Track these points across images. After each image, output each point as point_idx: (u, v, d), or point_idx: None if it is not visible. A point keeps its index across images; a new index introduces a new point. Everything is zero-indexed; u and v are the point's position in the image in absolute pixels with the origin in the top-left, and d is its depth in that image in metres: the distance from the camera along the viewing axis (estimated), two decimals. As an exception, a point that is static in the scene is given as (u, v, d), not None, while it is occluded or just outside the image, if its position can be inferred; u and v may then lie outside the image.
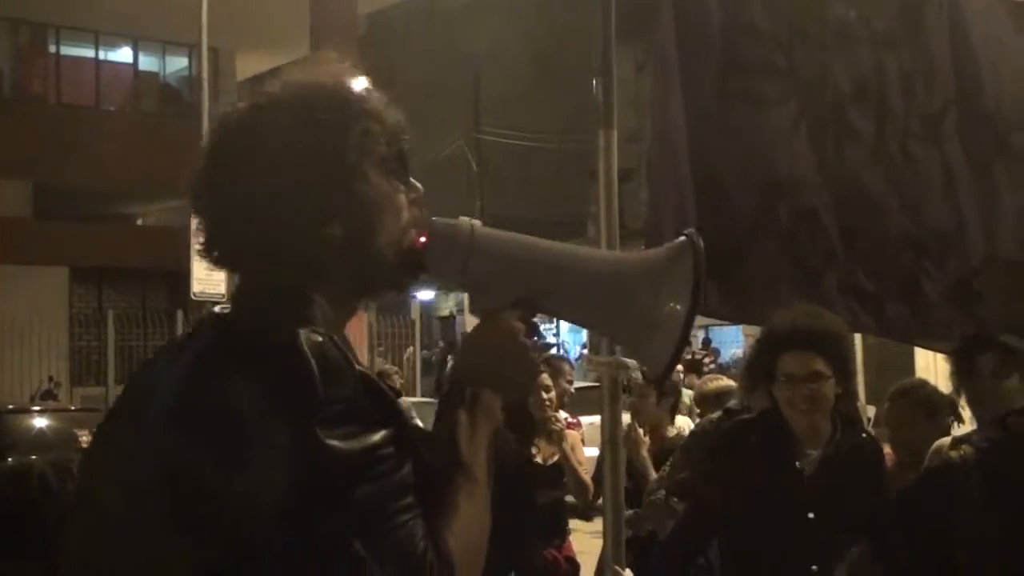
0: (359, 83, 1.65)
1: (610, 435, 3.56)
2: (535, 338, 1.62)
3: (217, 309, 1.57)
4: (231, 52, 26.12)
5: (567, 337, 31.38)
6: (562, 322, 28.95)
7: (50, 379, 21.07)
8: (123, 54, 26.46)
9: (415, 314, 22.09)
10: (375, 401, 1.45)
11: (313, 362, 1.41)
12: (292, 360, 1.41)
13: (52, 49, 25.19)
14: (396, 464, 1.44)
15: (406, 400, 10.58)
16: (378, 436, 1.42)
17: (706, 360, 21.32)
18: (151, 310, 22.92)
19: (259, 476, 1.37)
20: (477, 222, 1.64)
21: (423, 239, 1.62)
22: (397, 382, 11.05)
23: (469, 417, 1.57)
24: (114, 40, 25.86)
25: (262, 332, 1.46)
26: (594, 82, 3.70)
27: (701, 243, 1.59)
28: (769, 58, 4.17)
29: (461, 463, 1.54)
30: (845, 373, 3.51)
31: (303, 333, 1.43)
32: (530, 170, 35.42)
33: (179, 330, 19.72)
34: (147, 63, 26.75)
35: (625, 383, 3.92)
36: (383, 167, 1.61)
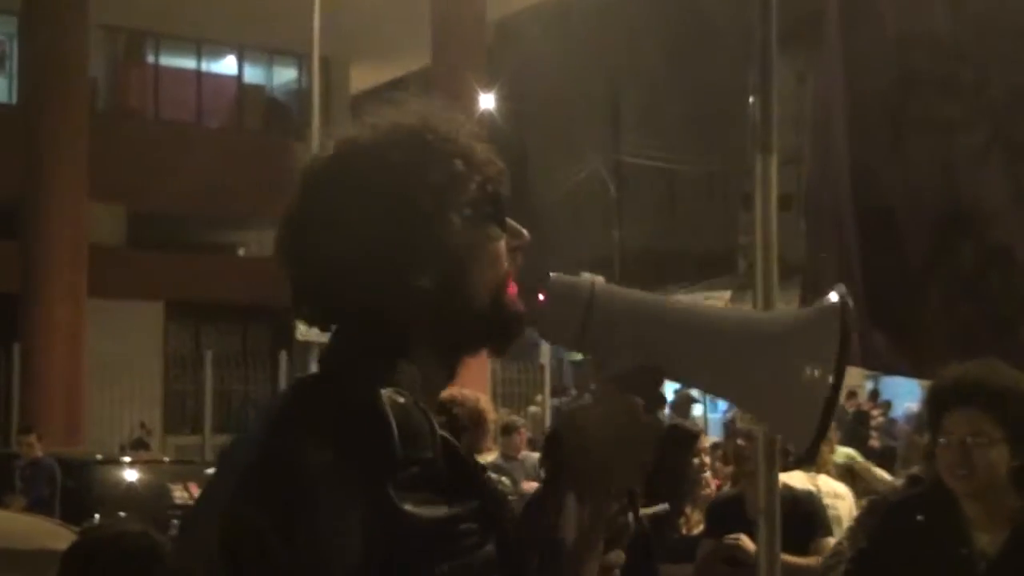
0: (448, 120, 1.69)
1: (766, 505, 3.51)
2: (660, 411, 1.63)
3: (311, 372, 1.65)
4: (344, 63, 26.57)
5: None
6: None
7: (142, 426, 21.44)
8: (227, 65, 27.12)
9: (545, 358, 22.02)
10: (459, 472, 1.50)
11: (393, 423, 1.46)
12: (371, 420, 1.47)
13: (150, 59, 25.94)
14: (479, 541, 1.46)
15: (531, 455, 10.54)
16: (460, 508, 1.46)
17: (874, 413, 20.90)
18: (252, 351, 23.25)
19: (328, 544, 1.40)
20: (600, 279, 1.66)
21: (540, 296, 1.65)
22: (523, 438, 11.00)
23: (577, 514, 1.58)
24: (217, 49, 26.52)
25: (340, 393, 1.52)
26: (750, 99, 3.67)
27: (851, 303, 1.57)
28: (954, 74, 4.09)
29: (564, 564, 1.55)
30: None
31: (385, 393, 1.49)
32: (675, 196, 35.32)
33: (282, 374, 20.05)
34: (252, 75, 27.38)
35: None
36: (473, 212, 1.64)
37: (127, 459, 14.74)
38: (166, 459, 16.47)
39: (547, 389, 22.59)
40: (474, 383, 19.03)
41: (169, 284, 23.64)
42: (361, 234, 1.58)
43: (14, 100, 23.45)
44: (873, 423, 19.80)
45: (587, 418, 1.62)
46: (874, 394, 23.19)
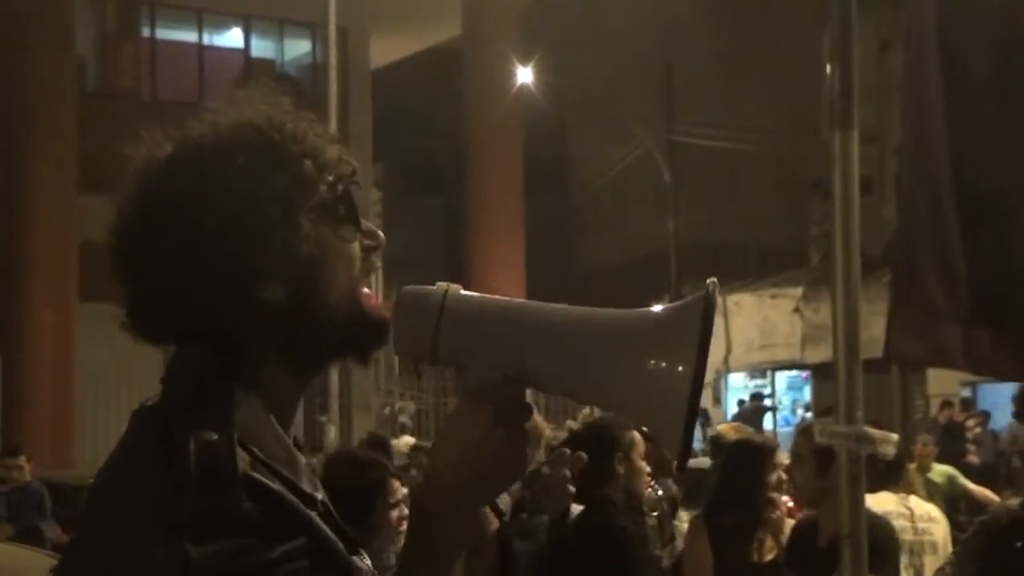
0: (295, 119, 1.75)
1: (851, 528, 3.49)
2: (525, 422, 1.68)
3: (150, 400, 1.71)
4: (363, 33, 26.66)
5: (783, 397, 30.99)
6: (777, 377, 28.41)
7: (141, 443, 21.65)
8: (232, 37, 27.29)
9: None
10: (276, 511, 1.55)
11: (194, 468, 1.53)
12: (173, 467, 1.53)
13: (145, 32, 26.09)
14: None
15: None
16: (271, 553, 1.51)
17: (969, 424, 20.76)
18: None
19: None
20: (456, 287, 1.72)
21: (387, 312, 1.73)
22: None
23: (424, 535, 1.67)
24: (221, 20, 26.68)
25: (152, 435, 1.61)
26: (827, 68, 3.64)
27: (716, 295, 1.64)
28: None
29: None
30: None
31: (195, 435, 1.55)
32: (736, 180, 35.22)
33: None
34: (261, 48, 27.52)
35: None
36: (323, 214, 1.71)
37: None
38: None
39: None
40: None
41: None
42: (201, 245, 1.63)
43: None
44: (969, 435, 19.64)
45: (441, 433, 1.72)
46: (966, 402, 23.04)
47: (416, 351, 1.71)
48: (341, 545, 1.61)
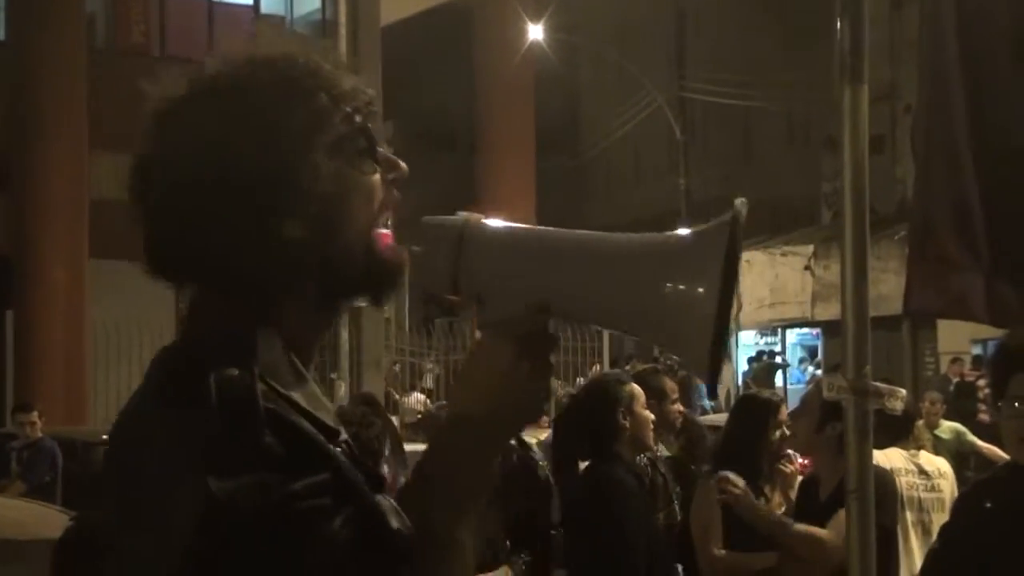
0: (310, 51, 1.73)
1: (857, 483, 3.50)
2: (551, 353, 1.67)
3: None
4: (373, -10, 26.57)
5: (792, 350, 31.00)
6: (788, 334, 28.39)
7: (152, 401, 21.66)
8: (240, -6, 27.18)
9: (606, 323, 22.08)
10: (299, 447, 1.53)
11: (215, 402, 1.52)
12: (194, 402, 1.52)
13: (155, -11, 26.00)
14: (324, 518, 1.51)
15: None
16: (293, 487, 1.50)
17: (980, 383, 20.75)
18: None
19: (154, 536, 1.50)
20: (478, 216, 1.69)
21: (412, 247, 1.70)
22: None
23: (447, 474, 1.64)
24: (230, -23, 26.57)
25: (173, 374, 1.60)
26: (838, 23, 3.63)
27: (743, 213, 1.63)
28: None
29: (431, 530, 1.60)
30: None
31: (215, 371, 1.54)
32: (748, 137, 35.13)
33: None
34: (270, 4, 27.43)
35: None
36: (342, 148, 1.69)
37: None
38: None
39: (606, 357, 22.60)
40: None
41: (180, 242, 23.73)
42: (218, 183, 1.62)
43: (3, 36, 23.59)
44: (981, 395, 19.62)
45: (463, 368, 1.70)
46: (979, 360, 23.03)
47: (436, 282, 1.69)
48: (364, 482, 1.59)
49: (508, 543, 5.71)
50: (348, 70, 1.74)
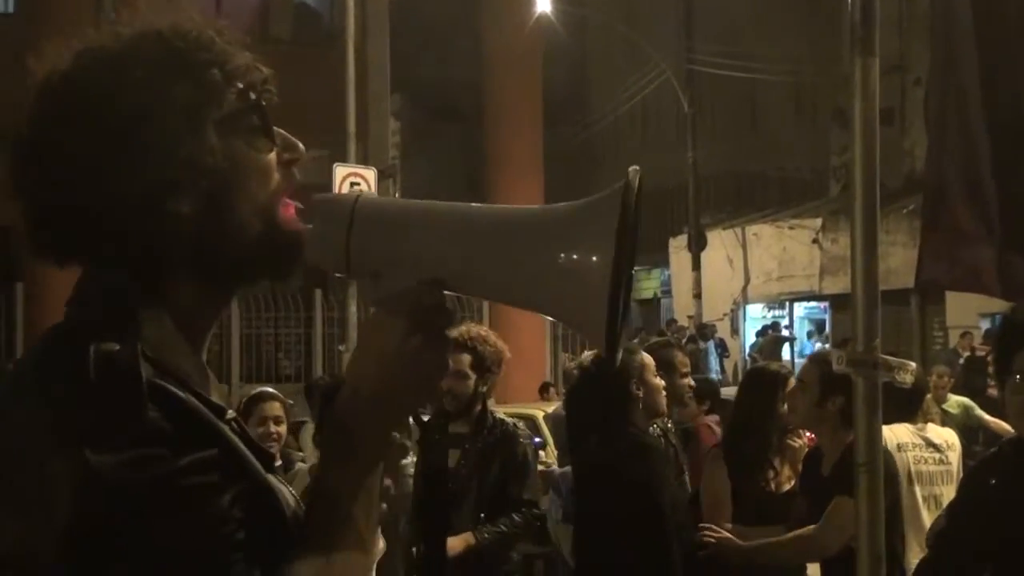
0: (202, 25, 1.69)
1: (866, 457, 3.49)
2: (446, 327, 1.64)
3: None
4: (381, -37, 26.51)
5: (800, 323, 31.02)
6: (795, 308, 28.33)
7: (161, 375, 21.70)
8: (248, -34, 27.14)
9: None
10: (184, 422, 1.50)
11: (94, 375, 1.48)
12: (71, 376, 1.49)
13: (162, -39, 26.01)
14: (211, 493, 1.47)
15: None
16: (178, 462, 1.46)
17: (991, 359, 20.71)
18: (283, 291, 23.43)
19: (30, 517, 1.45)
20: (370, 192, 1.66)
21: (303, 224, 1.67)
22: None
23: (342, 448, 1.61)
24: (237, -51, 26.54)
25: (53, 350, 1.56)
26: (848, -6, 3.62)
27: (637, 181, 1.58)
28: None
29: (327, 506, 1.59)
30: None
31: (95, 345, 1.50)
32: (756, 110, 35.07)
33: (317, 314, 20.16)
34: (277, -22, 27.38)
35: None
36: (233, 124, 1.65)
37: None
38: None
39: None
40: (531, 327, 19.13)
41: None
42: (102, 157, 1.59)
43: (10, 9, 23.58)
44: (990, 370, 19.59)
45: (357, 345, 1.66)
46: (987, 335, 23.02)
47: (329, 260, 1.66)
48: (255, 460, 1.56)
49: (482, 515, 5.72)
50: (244, 47, 1.71)
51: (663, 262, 34.26)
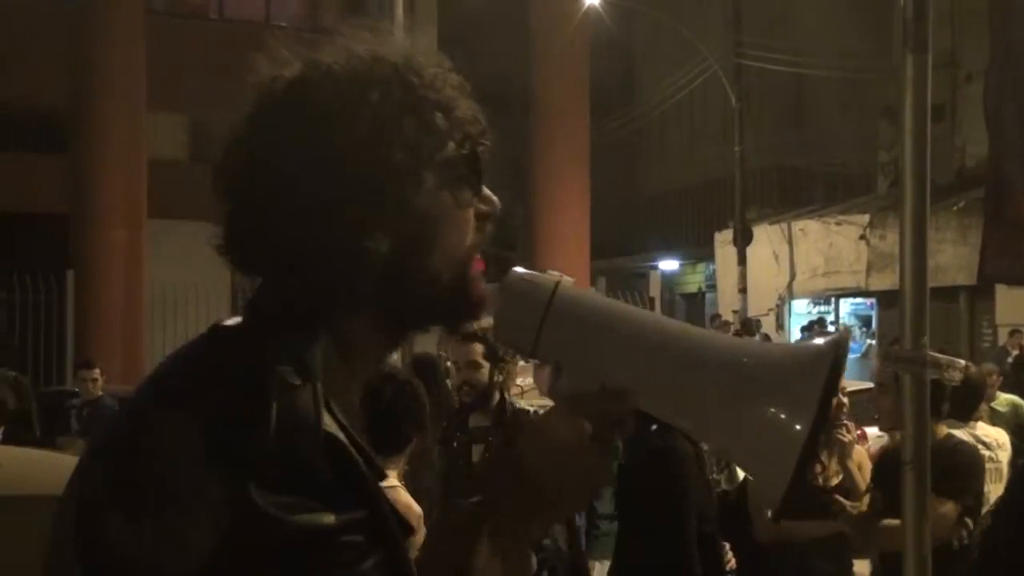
0: (434, 66, 1.64)
1: (914, 455, 3.47)
2: (611, 442, 1.60)
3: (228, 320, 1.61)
4: (434, -48, 26.52)
5: (846, 320, 30.86)
6: (841, 304, 28.12)
7: (211, 361, 21.74)
8: (298, -45, 27.20)
9: (655, 290, 22.07)
10: (344, 475, 1.47)
11: (274, 408, 1.44)
12: (249, 400, 1.44)
13: (213, -49, 26.08)
14: (356, 556, 1.45)
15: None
16: (333, 519, 1.43)
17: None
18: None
19: (175, 532, 1.40)
20: (568, 279, 1.64)
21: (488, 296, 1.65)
22: None
23: (499, 532, 1.56)
24: (287, -62, 26.59)
25: (229, 361, 1.51)
26: (900, -10, 3.59)
27: (848, 346, 1.56)
28: None
29: None
30: None
31: (279, 372, 1.47)
32: (804, 105, 34.89)
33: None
34: (326, -31, 27.43)
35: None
36: (447, 172, 1.61)
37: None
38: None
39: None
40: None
41: (236, 203, 23.84)
42: (315, 179, 1.54)
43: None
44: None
45: (531, 433, 1.60)
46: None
47: (517, 342, 1.65)
48: (399, 529, 1.52)
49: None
50: (467, 94, 1.67)
51: (708, 256, 34.15)
